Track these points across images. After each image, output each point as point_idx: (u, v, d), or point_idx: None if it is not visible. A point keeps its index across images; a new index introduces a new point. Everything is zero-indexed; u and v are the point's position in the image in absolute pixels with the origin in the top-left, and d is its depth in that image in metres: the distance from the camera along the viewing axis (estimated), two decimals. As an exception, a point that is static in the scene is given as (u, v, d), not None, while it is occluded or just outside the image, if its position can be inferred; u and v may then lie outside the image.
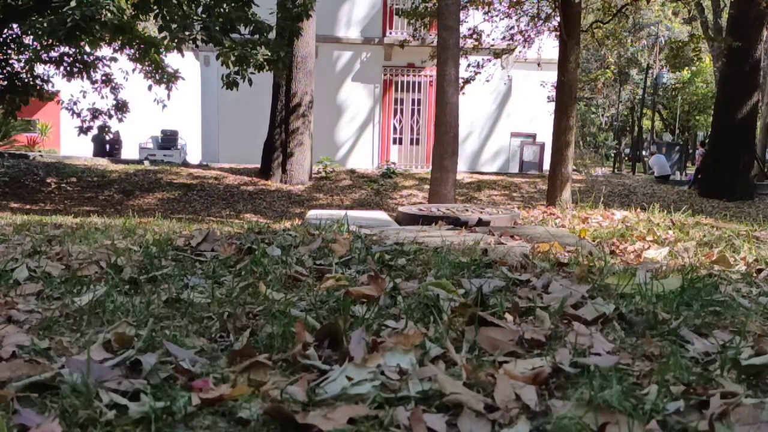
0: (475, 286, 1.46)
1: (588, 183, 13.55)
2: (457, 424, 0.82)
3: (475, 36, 11.23)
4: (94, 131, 11.69)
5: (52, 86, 11.16)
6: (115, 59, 11.24)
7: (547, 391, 0.93)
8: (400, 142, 16.81)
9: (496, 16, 11.53)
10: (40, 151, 15.99)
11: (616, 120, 26.14)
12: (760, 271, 2.11)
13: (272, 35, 8.76)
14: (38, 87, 10.59)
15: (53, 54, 10.53)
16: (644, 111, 24.87)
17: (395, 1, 15.45)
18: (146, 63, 10.72)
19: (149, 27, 10.97)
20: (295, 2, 9.00)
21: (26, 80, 10.44)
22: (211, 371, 0.99)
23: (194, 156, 18.13)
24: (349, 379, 0.94)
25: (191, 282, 1.57)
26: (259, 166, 13.01)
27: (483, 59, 11.66)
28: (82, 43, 9.26)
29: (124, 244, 2.13)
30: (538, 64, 14.03)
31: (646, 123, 27.48)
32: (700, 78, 24.15)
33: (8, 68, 10.48)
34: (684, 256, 2.60)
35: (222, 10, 8.07)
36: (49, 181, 11.53)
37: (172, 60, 11.16)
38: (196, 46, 8.33)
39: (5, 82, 10.21)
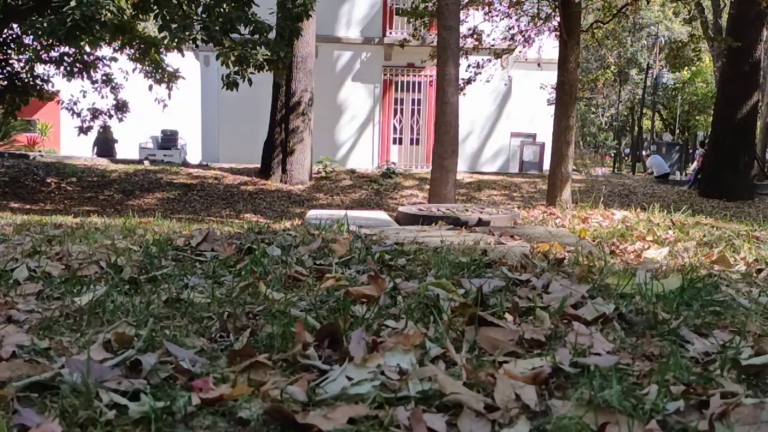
0: (475, 286, 1.46)
1: (588, 183, 13.55)
2: (457, 424, 0.82)
3: (475, 36, 11.22)
4: (94, 133, 11.70)
5: (52, 86, 11.16)
6: (115, 59, 11.24)
7: (547, 391, 0.93)
8: (400, 142, 16.81)
9: (496, 16, 11.53)
10: (40, 151, 15.99)
11: (616, 120, 26.15)
12: (760, 271, 2.11)
13: (272, 35, 8.76)
14: (38, 87, 10.58)
15: (53, 54, 10.52)
16: (644, 111, 24.88)
17: (395, 1, 15.44)
18: (146, 63, 10.72)
19: (149, 27, 10.96)
20: (295, 2, 9.00)
21: (26, 80, 10.44)
22: (211, 371, 0.99)
23: (194, 156, 18.13)
24: (349, 379, 0.94)
25: (191, 282, 1.57)
26: (259, 165, 13.01)
27: (483, 59, 11.65)
28: (82, 43, 9.25)
29: (124, 244, 2.13)
30: (538, 64, 14.02)
31: (646, 123, 27.50)
32: (700, 78, 24.16)
33: (8, 68, 10.48)
34: (684, 256, 2.59)
35: (222, 10, 8.06)
36: (49, 181, 11.53)
37: (172, 60, 11.16)
38: (196, 46, 8.33)
39: (5, 82, 10.21)
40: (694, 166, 18.61)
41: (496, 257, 1.98)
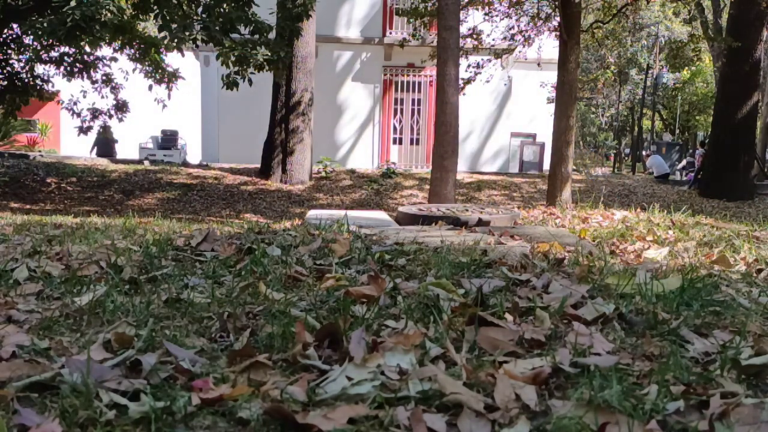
0: (475, 286, 1.46)
1: (588, 183, 13.55)
2: (457, 424, 0.82)
3: (475, 36, 11.23)
4: (93, 133, 11.70)
5: (52, 86, 11.16)
6: (115, 59, 11.24)
7: (547, 391, 0.93)
8: (400, 142, 16.81)
9: (496, 16, 11.54)
10: (40, 151, 15.98)
11: (616, 120, 26.16)
12: (760, 271, 2.11)
13: (272, 35, 8.76)
14: (38, 87, 10.58)
15: (53, 54, 10.52)
16: (644, 111, 24.89)
17: (395, 1, 15.44)
18: (146, 63, 10.72)
19: (149, 27, 10.97)
20: (295, 2, 9.00)
21: (26, 80, 10.44)
22: (211, 371, 0.99)
23: (194, 156, 18.12)
24: (349, 379, 0.94)
25: (191, 282, 1.57)
26: (259, 166, 13.01)
27: (483, 59, 11.66)
28: (82, 43, 9.25)
29: (124, 244, 2.13)
30: (538, 64, 14.02)
31: (646, 123, 27.51)
32: (700, 78, 24.18)
33: (8, 68, 10.48)
34: (684, 256, 2.59)
35: (222, 10, 8.06)
36: (49, 181, 11.53)
37: (172, 60, 11.16)
38: (196, 46, 8.33)
39: (5, 82, 10.21)
40: (683, 163, 18.68)
41: (496, 257, 1.98)
